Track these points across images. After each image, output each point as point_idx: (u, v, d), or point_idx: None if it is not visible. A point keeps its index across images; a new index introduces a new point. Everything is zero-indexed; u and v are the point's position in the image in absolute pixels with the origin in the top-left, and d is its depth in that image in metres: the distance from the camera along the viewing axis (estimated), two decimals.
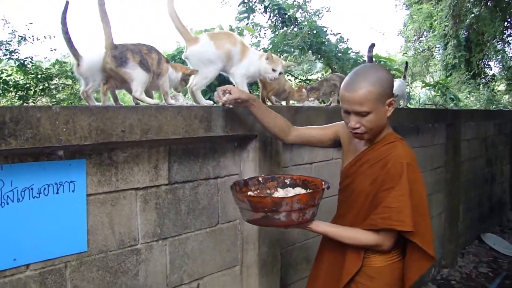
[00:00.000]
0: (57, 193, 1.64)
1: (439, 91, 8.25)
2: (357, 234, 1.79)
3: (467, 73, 12.71)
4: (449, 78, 12.07)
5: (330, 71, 7.38)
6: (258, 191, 1.94)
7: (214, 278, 2.25)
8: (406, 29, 15.78)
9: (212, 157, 2.19)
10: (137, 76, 1.84)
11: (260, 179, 1.98)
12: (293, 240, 2.70)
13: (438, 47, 14.22)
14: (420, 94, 11.25)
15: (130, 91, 1.93)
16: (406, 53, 19.30)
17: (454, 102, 8.10)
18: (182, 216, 2.07)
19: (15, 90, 7.06)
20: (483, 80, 13.40)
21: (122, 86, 1.95)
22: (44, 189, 1.60)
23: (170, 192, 2.02)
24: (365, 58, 6.64)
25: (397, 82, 3.65)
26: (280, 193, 1.90)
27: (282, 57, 7.08)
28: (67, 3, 1.77)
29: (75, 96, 8.05)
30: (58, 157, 1.63)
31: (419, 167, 1.79)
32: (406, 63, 4.58)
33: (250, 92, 2.18)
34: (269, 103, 2.61)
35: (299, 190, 1.90)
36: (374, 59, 6.32)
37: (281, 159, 2.42)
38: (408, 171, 1.70)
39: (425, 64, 17.26)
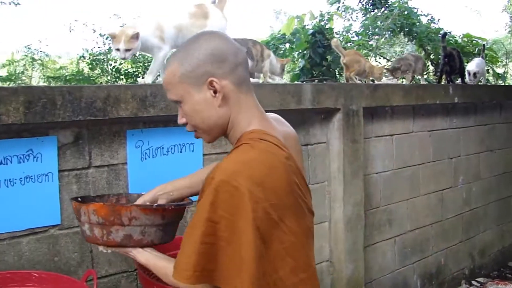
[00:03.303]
0: (181, 152, 2.11)
1: None
2: (168, 269, 1.21)
3: None
4: None
5: (423, 52, 7.41)
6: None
7: None
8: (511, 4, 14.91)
9: (302, 127, 2.56)
10: None
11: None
12: (376, 203, 3.01)
13: None
14: None
15: None
16: None
17: None
18: None
19: (126, 77, 7.78)
20: None
21: None
22: (171, 148, 2.09)
23: None
24: (457, 38, 6.65)
25: (475, 61, 3.84)
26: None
27: (373, 39, 7.20)
28: None
29: None
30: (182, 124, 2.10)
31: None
32: (484, 45, 4.74)
33: None
34: (351, 81, 2.93)
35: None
36: (465, 39, 6.33)
37: (362, 130, 2.72)
38: (217, 192, 1.09)
39: None
